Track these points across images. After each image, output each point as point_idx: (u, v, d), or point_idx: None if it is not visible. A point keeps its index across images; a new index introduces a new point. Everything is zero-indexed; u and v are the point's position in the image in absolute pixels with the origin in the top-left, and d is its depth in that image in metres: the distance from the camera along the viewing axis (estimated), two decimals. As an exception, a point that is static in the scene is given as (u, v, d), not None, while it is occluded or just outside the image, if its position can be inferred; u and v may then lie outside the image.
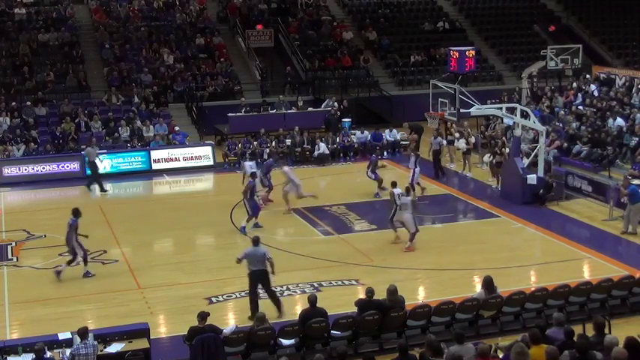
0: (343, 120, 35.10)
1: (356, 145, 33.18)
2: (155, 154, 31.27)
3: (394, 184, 21.49)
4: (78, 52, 38.28)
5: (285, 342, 14.59)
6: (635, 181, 23.63)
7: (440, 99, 27.28)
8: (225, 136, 34.00)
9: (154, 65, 38.02)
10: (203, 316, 14.03)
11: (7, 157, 30.52)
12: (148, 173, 30.76)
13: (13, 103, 33.81)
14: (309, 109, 36.19)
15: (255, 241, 16.73)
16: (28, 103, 33.79)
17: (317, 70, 39.60)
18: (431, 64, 40.91)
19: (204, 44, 39.92)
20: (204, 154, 31.67)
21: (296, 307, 16.77)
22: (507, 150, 27.01)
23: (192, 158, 31.56)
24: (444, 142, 29.72)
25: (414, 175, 25.69)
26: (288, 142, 32.85)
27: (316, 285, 18.43)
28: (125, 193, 29.14)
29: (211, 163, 31.55)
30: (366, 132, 33.64)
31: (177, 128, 33.10)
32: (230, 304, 17.69)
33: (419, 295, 18.05)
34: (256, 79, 38.96)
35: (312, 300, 14.92)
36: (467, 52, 30.41)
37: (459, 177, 29.24)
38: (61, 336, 14.06)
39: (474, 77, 38.11)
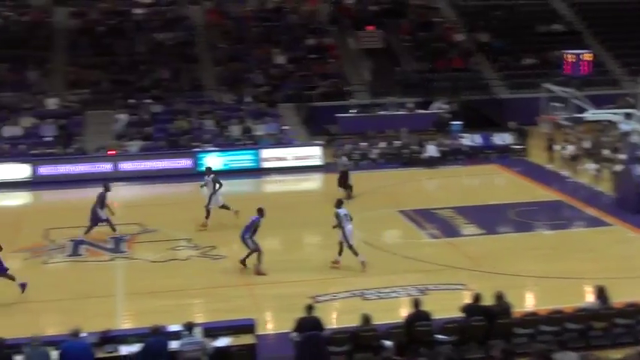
0: (453, 122, 34.74)
1: (466, 148, 32.78)
2: (265, 153, 31.70)
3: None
4: (192, 51, 39.16)
5: (390, 344, 14.53)
6: None
7: (553, 103, 26.67)
8: (334, 136, 34.15)
9: (265, 65, 38.53)
10: (310, 307, 14.17)
11: (124, 152, 31.51)
12: (257, 172, 31.19)
13: (131, 100, 34.85)
14: (418, 110, 35.97)
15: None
16: (147, 100, 34.75)
17: (427, 71, 39.33)
18: (544, 67, 40.02)
19: (315, 45, 40.20)
20: (313, 153, 31.90)
21: (401, 310, 16.68)
22: (620, 156, 26.13)
23: (301, 158, 31.84)
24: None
25: None
26: (397, 143, 32.74)
27: (422, 288, 18.29)
28: (235, 190, 29.56)
29: (320, 162, 31.74)
30: (474, 135, 33.22)
31: (285, 128, 33.49)
32: (335, 304, 17.74)
33: (526, 302, 17.69)
34: (365, 80, 38.97)
35: (418, 303, 14.82)
36: (583, 56, 29.64)
37: (570, 183, 28.50)
38: (170, 328, 14.39)
39: (588, 81, 37.05)
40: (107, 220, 22.46)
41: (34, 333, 13.57)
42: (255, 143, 32.59)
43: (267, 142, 32.52)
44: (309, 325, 14.03)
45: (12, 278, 18.10)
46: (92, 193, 23.31)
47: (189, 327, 13.80)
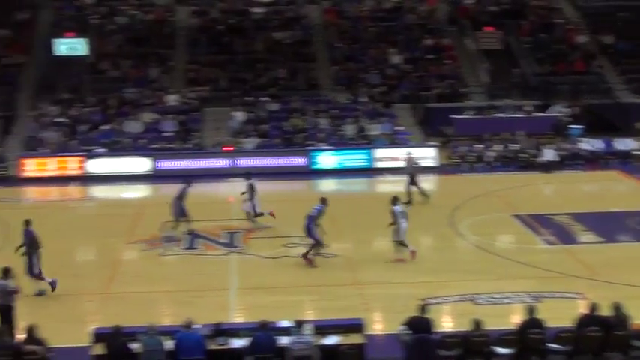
0: (572, 127, 33.82)
1: (585, 153, 31.86)
2: (378, 153, 31.66)
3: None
4: (309, 50, 39.49)
5: (501, 350, 14.26)
6: None
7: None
8: (449, 138, 33.80)
9: (381, 65, 38.50)
10: (423, 307, 14.12)
11: (240, 149, 32.07)
12: (370, 171, 31.19)
13: (248, 98, 35.43)
14: (537, 113, 35.18)
15: None
16: (264, 98, 35.26)
17: (547, 74, 38.44)
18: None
19: (433, 45, 39.89)
20: (427, 155, 31.67)
21: (514, 316, 16.34)
22: None
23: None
24: None
25: None
26: (514, 146, 32.15)
27: (536, 295, 17.86)
28: (348, 189, 29.71)
29: (434, 164, 31.47)
30: (595, 140, 32.28)
31: (400, 128, 33.36)
32: (446, 307, 17.54)
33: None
34: (483, 82, 38.42)
35: (531, 310, 14.49)
36: None
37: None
38: (280, 323, 14.53)
39: None
40: (185, 216, 22.79)
41: (150, 322, 13.94)
42: (369, 143, 32.61)
43: (381, 143, 32.48)
44: (420, 325, 13.92)
45: (42, 279, 18.44)
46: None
47: (299, 324, 13.90)
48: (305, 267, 20.00)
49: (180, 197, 22.77)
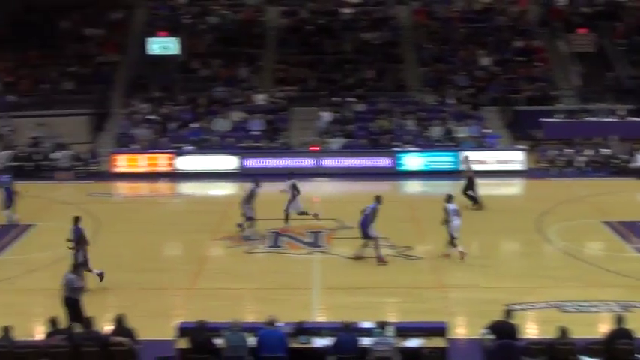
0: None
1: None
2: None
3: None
4: (397, 51, 39.35)
5: (587, 359, 13.95)
6: None
7: None
8: (538, 141, 33.21)
9: (470, 67, 38.09)
10: (508, 312, 13.97)
11: (326, 149, 32.17)
12: (456, 174, 30.85)
13: (335, 98, 35.52)
14: (631, 118, 34.23)
15: None
16: (351, 99, 35.30)
17: (642, 77, 37.42)
18: None
19: (523, 47, 39.26)
20: (515, 158, 31.18)
21: (601, 325, 15.96)
22: None
23: (502, 162, 31.20)
24: None
25: None
26: (605, 151, 31.39)
27: (625, 304, 17.38)
28: (433, 191, 29.44)
29: (522, 168, 30.96)
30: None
31: (487, 131, 32.94)
32: (531, 314, 17.23)
33: None
34: (574, 85, 37.60)
35: (619, 320, 14.12)
36: None
37: None
38: (362, 324, 14.51)
39: None
40: (251, 218, 22.70)
41: (234, 318, 14.11)
42: (456, 145, 32.29)
43: (468, 145, 32.12)
44: (503, 330, 13.73)
45: (90, 271, 18.66)
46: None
47: (382, 325, 13.87)
48: (382, 267, 19.95)
49: (249, 198, 22.63)
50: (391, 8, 42.54)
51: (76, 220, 19.10)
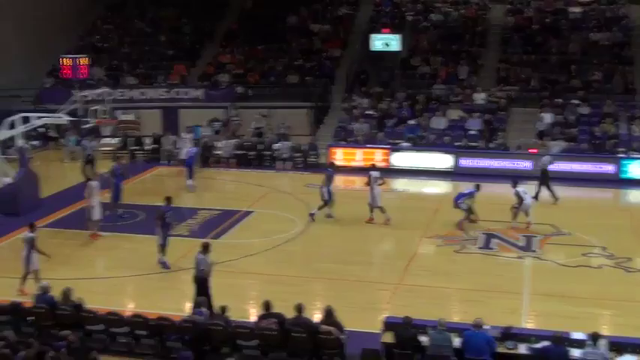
0: None
1: None
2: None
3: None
4: (627, 53, 37.46)
5: None
6: None
7: None
8: None
9: None
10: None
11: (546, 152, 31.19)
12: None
13: (557, 100, 34.39)
14: None
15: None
16: (574, 101, 34.06)
17: None
18: None
19: None
20: None
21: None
22: None
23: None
24: None
25: None
26: None
27: None
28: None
29: None
30: None
31: None
32: None
33: None
34: None
35: None
36: None
37: None
38: (574, 335, 14.00)
39: None
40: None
41: (440, 317, 14.06)
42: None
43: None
44: None
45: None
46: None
47: (595, 338, 13.31)
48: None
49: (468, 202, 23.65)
50: (623, 7, 40.54)
51: (167, 200, 20.54)
